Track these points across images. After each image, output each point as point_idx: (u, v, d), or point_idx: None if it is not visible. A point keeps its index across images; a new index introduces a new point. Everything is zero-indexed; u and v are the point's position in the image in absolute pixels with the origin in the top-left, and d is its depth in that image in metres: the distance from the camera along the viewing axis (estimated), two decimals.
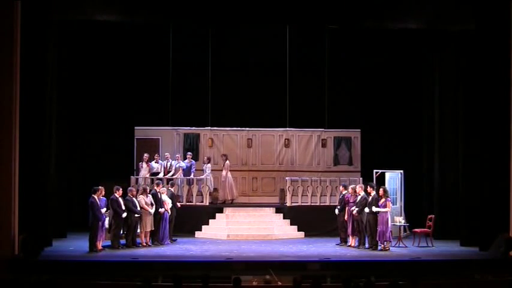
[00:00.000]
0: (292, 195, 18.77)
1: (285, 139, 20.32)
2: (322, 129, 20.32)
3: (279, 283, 11.50)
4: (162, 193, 16.70)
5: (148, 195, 16.33)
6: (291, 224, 18.41)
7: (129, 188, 16.37)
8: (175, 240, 16.92)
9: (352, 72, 20.44)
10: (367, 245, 15.83)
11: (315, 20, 17.20)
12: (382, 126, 20.23)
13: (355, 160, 20.24)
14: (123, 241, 15.95)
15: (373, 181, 17.37)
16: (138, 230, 16.19)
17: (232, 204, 19.17)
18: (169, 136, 20.12)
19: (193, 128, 20.22)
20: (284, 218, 18.58)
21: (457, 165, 17.57)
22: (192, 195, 18.62)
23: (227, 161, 19.19)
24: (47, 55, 15.87)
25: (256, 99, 20.15)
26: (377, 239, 15.58)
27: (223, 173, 19.17)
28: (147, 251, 15.48)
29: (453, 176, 17.90)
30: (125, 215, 15.70)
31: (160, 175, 18.65)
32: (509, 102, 15.29)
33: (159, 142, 20.04)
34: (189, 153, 19.34)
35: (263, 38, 19.83)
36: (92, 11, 16.37)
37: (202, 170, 19.07)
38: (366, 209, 15.72)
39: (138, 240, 16.21)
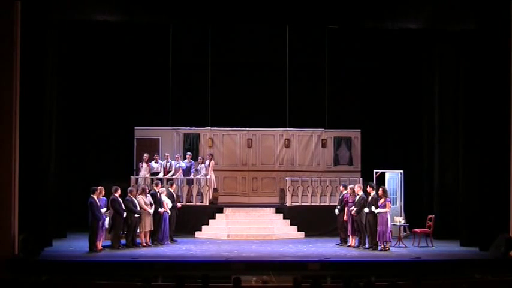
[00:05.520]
0: (292, 195, 18.77)
1: (285, 139, 20.32)
2: (322, 129, 20.32)
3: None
4: (162, 193, 16.71)
5: (148, 195, 16.33)
6: (291, 224, 18.41)
7: (130, 189, 16.37)
8: (175, 241, 16.92)
9: (352, 72, 20.45)
10: (367, 245, 15.83)
11: (315, 20, 17.17)
12: (382, 126, 20.24)
13: (355, 160, 20.25)
14: (123, 241, 15.95)
15: (373, 181, 17.37)
16: (138, 230, 16.18)
17: (232, 204, 19.16)
18: (169, 136, 20.13)
19: (193, 128, 20.23)
20: (284, 218, 18.58)
21: (457, 165, 17.56)
22: (192, 195, 18.62)
23: (212, 161, 19.16)
24: (47, 55, 15.90)
25: (256, 99, 20.17)
26: (377, 239, 15.58)
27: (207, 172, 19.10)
28: (147, 251, 15.48)
29: (453, 176, 17.89)
30: (124, 215, 15.70)
31: (160, 175, 18.65)
32: (509, 102, 15.31)
33: (159, 142, 20.04)
34: (189, 153, 19.34)
35: (263, 38, 19.84)
36: (92, 11, 16.35)
37: (197, 169, 19.05)
38: (366, 209, 15.72)
39: (138, 240, 16.21)
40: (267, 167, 20.30)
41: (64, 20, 16.72)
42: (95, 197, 15.29)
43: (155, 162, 18.96)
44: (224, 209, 18.68)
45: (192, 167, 19.07)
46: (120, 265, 13.79)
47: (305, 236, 18.04)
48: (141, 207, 16.01)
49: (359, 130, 20.36)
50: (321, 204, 18.67)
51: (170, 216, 16.76)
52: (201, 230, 18.11)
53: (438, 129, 18.42)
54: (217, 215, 18.47)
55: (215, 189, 19.11)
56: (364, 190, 16.07)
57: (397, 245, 16.29)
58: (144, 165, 18.78)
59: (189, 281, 10.76)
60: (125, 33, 19.12)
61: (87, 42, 19.28)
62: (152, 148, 19.66)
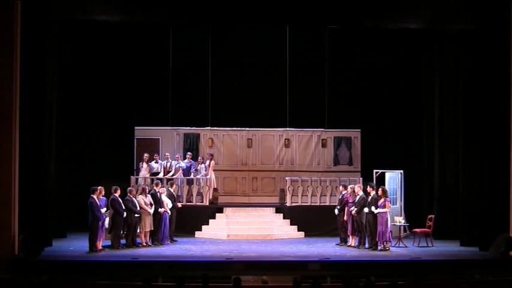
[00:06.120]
0: (292, 195, 18.77)
1: (285, 139, 20.32)
2: (322, 129, 20.32)
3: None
4: (162, 193, 16.71)
5: (148, 195, 16.33)
6: (291, 224, 18.41)
7: (129, 188, 16.37)
8: (175, 241, 16.91)
9: (352, 72, 20.42)
10: (367, 245, 15.83)
11: (315, 20, 17.18)
12: (382, 126, 20.22)
13: (355, 160, 20.24)
14: (123, 241, 15.95)
15: (373, 181, 17.36)
16: (138, 230, 16.18)
17: (232, 204, 19.16)
18: (169, 136, 20.13)
19: (193, 128, 20.23)
20: (284, 218, 18.57)
21: (457, 165, 17.57)
22: (192, 195, 18.61)
23: (212, 161, 19.15)
24: (47, 55, 15.90)
25: (256, 99, 20.15)
26: (377, 239, 15.58)
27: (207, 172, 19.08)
28: (147, 251, 15.48)
29: (453, 176, 17.90)
30: (124, 215, 15.71)
31: (160, 175, 18.65)
32: (509, 102, 15.30)
33: (159, 142, 20.05)
34: (189, 153, 19.34)
35: (263, 37, 19.84)
36: (92, 11, 16.36)
37: (197, 169, 19.05)
38: (366, 209, 15.72)
39: (138, 240, 16.21)
40: (267, 167, 20.30)
41: (64, 20, 16.72)
42: (95, 197, 15.29)
43: (155, 162, 18.96)
44: (224, 209, 18.68)
45: (192, 167, 19.07)
46: (120, 265, 13.79)
47: (305, 236, 18.03)
48: (141, 207, 16.01)
49: (359, 130, 20.36)
50: (321, 204, 18.66)
51: (170, 216, 16.76)
52: (201, 230, 18.11)
53: (438, 129, 18.41)
54: (217, 215, 18.46)
55: (215, 189, 19.10)
56: (364, 190, 16.07)
57: (397, 245, 16.29)
58: (144, 165, 18.78)
59: (189, 281, 10.77)
60: (125, 33, 19.12)
61: (87, 42, 19.27)
62: (152, 148, 19.66)
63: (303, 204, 18.75)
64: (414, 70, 19.84)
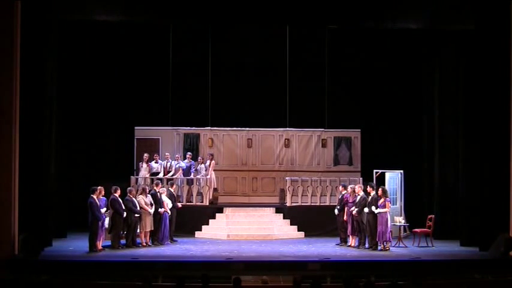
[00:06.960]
0: (292, 195, 18.77)
1: (285, 139, 20.32)
2: (322, 129, 20.33)
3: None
4: (162, 193, 16.71)
5: (148, 195, 16.33)
6: (291, 224, 18.41)
7: (129, 188, 16.37)
8: (175, 241, 16.92)
9: (352, 72, 20.43)
10: (367, 245, 15.83)
11: (315, 20, 17.19)
12: (382, 126, 20.23)
13: (355, 160, 20.25)
14: (123, 241, 15.95)
15: (373, 181, 17.36)
16: (138, 230, 16.18)
17: (232, 204, 19.16)
18: (169, 136, 20.14)
19: (193, 128, 20.23)
20: (284, 218, 18.58)
21: (457, 165, 17.57)
22: (192, 195, 18.62)
23: (212, 161, 19.15)
24: (47, 55, 15.89)
25: (256, 99, 20.16)
26: (377, 239, 15.58)
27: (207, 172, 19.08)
28: (147, 251, 15.48)
29: (453, 176, 17.90)
30: (124, 215, 15.71)
31: (160, 175, 18.66)
32: (509, 102, 15.29)
33: (159, 142, 20.05)
34: (189, 153, 19.35)
35: (263, 38, 19.85)
36: (92, 11, 16.37)
37: (197, 169, 19.05)
38: (366, 209, 15.72)
39: (138, 240, 16.21)
40: (267, 167, 20.30)
41: (64, 20, 16.73)
42: (94, 197, 15.29)
43: (155, 162, 18.96)
44: (224, 209, 18.68)
45: (192, 167, 19.07)
46: (120, 265, 13.78)
47: (305, 236, 18.03)
48: (141, 207, 16.02)
49: (359, 130, 20.36)
50: (321, 204, 18.66)
51: (170, 216, 16.77)
52: (201, 230, 18.11)
53: (438, 129, 18.41)
54: (217, 215, 18.47)
55: (215, 189, 19.10)
56: (364, 190, 16.07)
57: (397, 245, 16.29)
58: (144, 165, 18.79)
59: (189, 281, 10.77)
60: (125, 33, 19.14)
61: (87, 42, 19.28)
62: (152, 148, 19.67)
63: (303, 204, 18.75)
64: (414, 70, 19.85)
